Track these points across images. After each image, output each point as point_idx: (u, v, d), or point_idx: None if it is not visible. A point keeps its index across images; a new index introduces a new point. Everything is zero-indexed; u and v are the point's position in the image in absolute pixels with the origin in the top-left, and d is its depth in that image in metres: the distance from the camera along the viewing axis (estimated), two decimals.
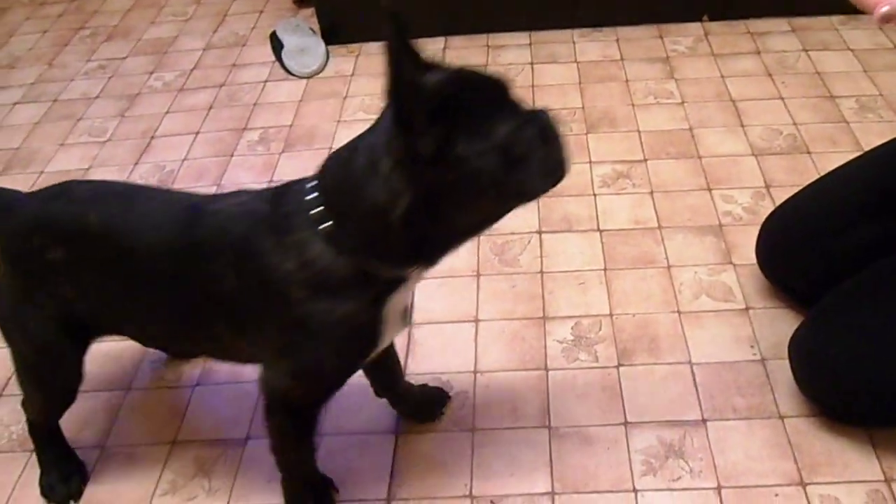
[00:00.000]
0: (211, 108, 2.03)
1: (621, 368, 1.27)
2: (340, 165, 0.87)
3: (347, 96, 2.00)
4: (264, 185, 1.76)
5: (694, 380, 1.24)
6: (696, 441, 1.16)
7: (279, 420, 1.02)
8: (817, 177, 1.34)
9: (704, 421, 1.19)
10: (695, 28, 2.11)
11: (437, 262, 0.90)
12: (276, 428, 1.02)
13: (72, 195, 1.02)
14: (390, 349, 1.13)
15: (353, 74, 2.09)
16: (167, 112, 2.04)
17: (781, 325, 1.30)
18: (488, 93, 0.83)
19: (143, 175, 1.81)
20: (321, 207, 0.87)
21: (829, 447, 1.13)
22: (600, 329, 1.34)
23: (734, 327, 1.32)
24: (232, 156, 1.85)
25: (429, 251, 0.88)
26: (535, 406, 1.23)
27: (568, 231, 1.54)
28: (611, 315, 1.36)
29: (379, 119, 0.85)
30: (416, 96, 0.76)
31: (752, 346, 1.29)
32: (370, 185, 0.83)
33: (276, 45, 2.21)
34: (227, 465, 1.20)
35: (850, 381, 1.09)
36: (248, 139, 1.90)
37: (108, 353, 1.39)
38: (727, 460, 1.13)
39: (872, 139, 1.63)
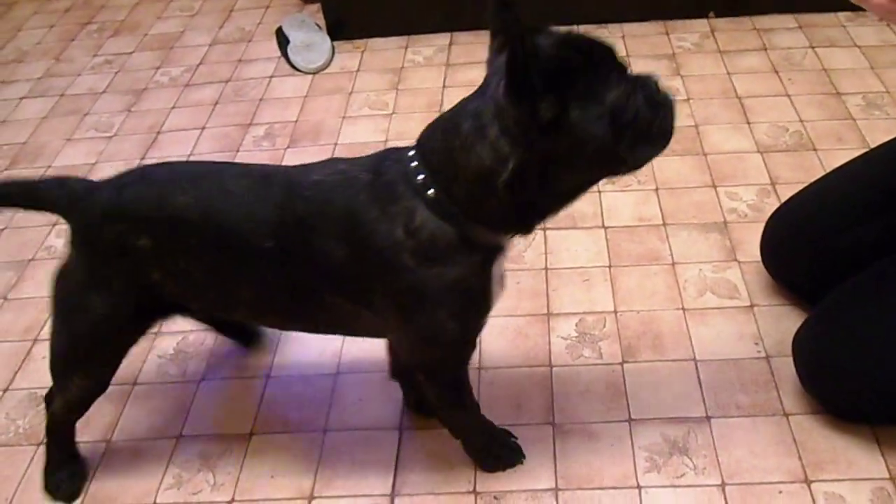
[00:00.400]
0: (217, 103, 2.03)
1: (625, 365, 1.28)
2: (444, 133, 0.88)
3: (353, 92, 2.00)
4: None
5: (698, 377, 1.24)
6: (700, 438, 1.16)
7: (435, 389, 1.07)
8: (823, 174, 1.34)
9: (708, 418, 1.19)
10: (701, 24, 2.11)
11: (533, 230, 0.92)
12: (434, 397, 1.08)
13: (150, 179, 1.00)
14: None
15: (358, 70, 2.09)
16: (173, 107, 2.04)
17: (786, 322, 1.30)
18: (598, 57, 0.83)
19: None
20: (424, 175, 0.88)
21: (833, 444, 1.13)
22: (605, 326, 1.34)
23: (739, 324, 1.32)
24: (238, 151, 1.85)
25: (528, 217, 0.90)
26: (539, 403, 1.23)
27: (573, 228, 1.54)
28: (615, 312, 1.36)
29: (482, 86, 0.86)
30: (536, 62, 0.76)
31: (756, 344, 1.29)
32: (476, 150, 0.84)
33: (282, 40, 2.21)
34: (232, 460, 1.20)
35: (853, 380, 1.09)
36: (253, 134, 1.90)
37: None
38: (731, 457, 1.13)
39: (879, 136, 1.63)
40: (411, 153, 0.90)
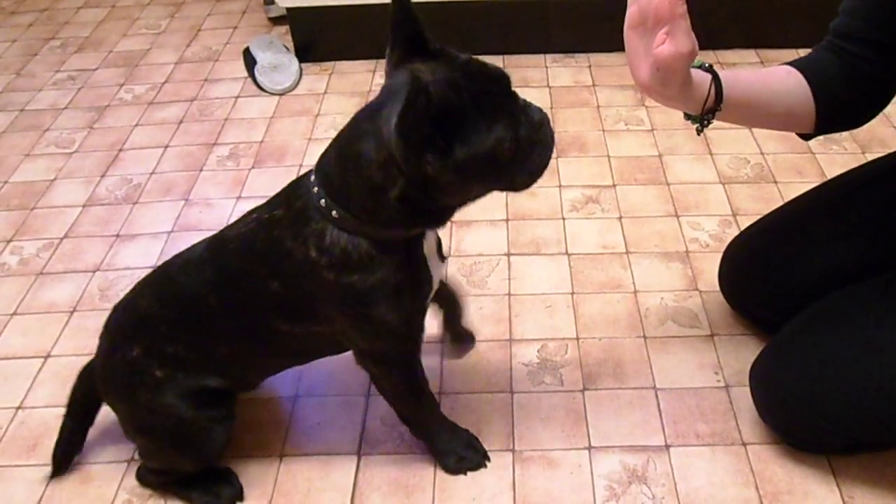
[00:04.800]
0: (181, 122, 2.01)
1: (586, 392, 1.27)
2: (338, 153, 0.92)
3: (319, 114, 2.00)
4: (233, 200, 1.74)
5: (658, 405, 1.25)
6: (659, 467, 1.16)
7: (389, 381, 1.09)
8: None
9: (668, 446, 1.19)
10: None
11: (444, 224, 0.96)
12: (390, 389, 1.10)
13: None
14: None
15: (325, 92, 2.09)
16: (136, 125, 2.02)
17: (746, 351, 1.31)
18: (487, 94, 0.86)
19: (110, 188, 1.79)
20: (324, 198, 0.92)
21: (790, 475, 1.14)
22: (566, 352, 1.34)
23: (699, 353, 1.33)
24: (201, 170, 1.83)
25: (429, 218, 0.95)
26: (499, 429, 1.22)
27: (536, 254, 1.54)
28: (577, 339, 1.36)
29: (376, 103, 0.88)
30: (427, 114, 0.80)
31: (716, 373, 1.29)
32: (369, 169, 0.87)
33: (249, 61, 2.20)
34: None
35: (806, 410, 1.09)
36: (217, 154, 1.88)
37: (65, 367, 1.36)
38: (689, 486, 1.13)
39: (836, 170, 1.65)
40: (313, 178, 0.95)
